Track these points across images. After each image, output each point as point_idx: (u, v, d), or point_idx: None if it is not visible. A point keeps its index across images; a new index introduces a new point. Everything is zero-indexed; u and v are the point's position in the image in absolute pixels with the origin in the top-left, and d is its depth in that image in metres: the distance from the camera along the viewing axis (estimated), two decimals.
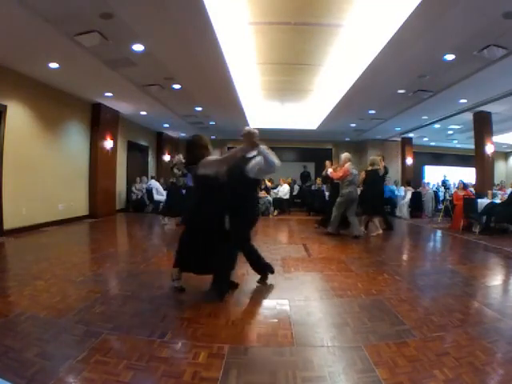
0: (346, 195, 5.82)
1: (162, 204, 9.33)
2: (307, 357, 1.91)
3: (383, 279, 3.38)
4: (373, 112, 8.73)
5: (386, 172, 6.70)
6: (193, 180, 2.98)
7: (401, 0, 3.68)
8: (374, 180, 6.24)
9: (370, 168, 6.31)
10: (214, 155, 2.91)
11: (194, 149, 2.87)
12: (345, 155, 6.09)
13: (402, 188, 10.19)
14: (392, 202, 9.78)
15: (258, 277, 3.23)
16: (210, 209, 2.79)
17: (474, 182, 9.17)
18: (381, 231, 6.25)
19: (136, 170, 10.41)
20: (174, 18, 3.88)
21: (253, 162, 2.86)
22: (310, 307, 2.68)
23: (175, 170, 7.48)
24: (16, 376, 1.64)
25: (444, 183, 12.57)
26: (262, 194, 9.32)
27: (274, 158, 2.78)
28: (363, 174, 6.42)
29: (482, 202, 6.65)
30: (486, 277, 3.63)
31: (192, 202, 3.05)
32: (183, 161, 7.47)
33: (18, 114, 5.70)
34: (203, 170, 2.72)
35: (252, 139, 2.68)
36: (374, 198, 6.25)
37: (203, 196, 2.83)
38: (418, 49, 4.61)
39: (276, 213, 9.12)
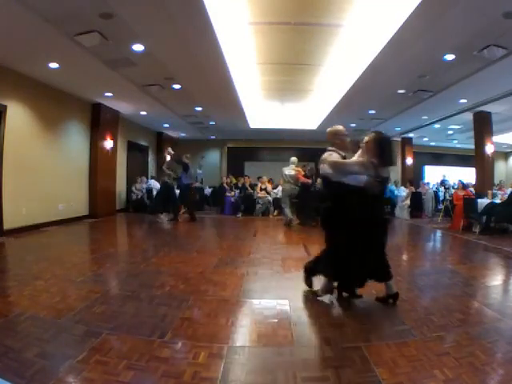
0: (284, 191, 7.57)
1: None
2: (307, 357, 1.91)
3: None
4: (373, 112, 8.73)
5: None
6: (378, 182, 2.60)
7: (401, 0, 3.68)
8: None
9: None
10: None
11: (392, 150, 2.73)
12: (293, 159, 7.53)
13: (402, 188, 10.17)
14: (392, 202, 9.77)
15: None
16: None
17: (473, 182, 9.16)
18: None
19: (136, 170, 10.40)
20: (174, 18, 3.88)
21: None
22: (310, 307, 2.68)
23: (164, 168, 7.71)
24: (16, 376, 1.64)
25: (443, 183, 12.56)
26: (262, 194, 9.33)
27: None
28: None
29: (482, 201, 6.65)
30: (486, 277, 3.63)
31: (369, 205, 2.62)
32: (172, 152, 7.64)
33: (18, 113, 5.70)
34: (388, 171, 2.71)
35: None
36: None
37: (379, 198, 2.76)
38: (418, 49, 4.61)
39: (276, 213, 9.12)
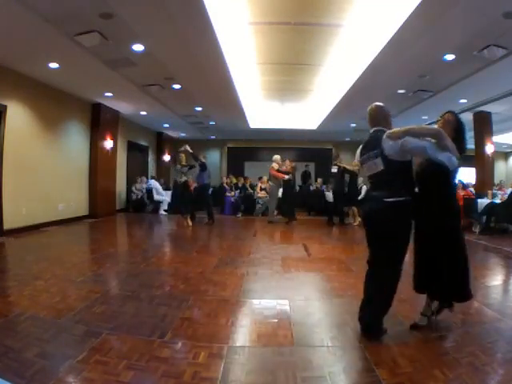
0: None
1: (162, 204, 9.44)
2: (307, 357, 1.91)
3: None
4: None
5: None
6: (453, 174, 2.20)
7: (401, 0, 3.68)
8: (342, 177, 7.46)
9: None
10: None
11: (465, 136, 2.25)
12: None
13: None
14: None
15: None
16: None
17: (473, 182, 9.16)
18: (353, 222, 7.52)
19: (136, 169, 10.40)
20: (174, 17, 3.88)
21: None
22: (310, 307, 2.68)
23: (179, 167, 7.39)
24: (16, 376, 1.64)
25: None
26: (262, 194, 9.32)
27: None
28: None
29: (482, 201, 6.66)
30: (486, 277, 3.63)
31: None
32: (191, 151, 7.21)
33: (18, 114, 5.70)
34: None
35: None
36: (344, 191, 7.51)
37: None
38: (418, 49, 4.60)
39: (276, 213, 9.11)
